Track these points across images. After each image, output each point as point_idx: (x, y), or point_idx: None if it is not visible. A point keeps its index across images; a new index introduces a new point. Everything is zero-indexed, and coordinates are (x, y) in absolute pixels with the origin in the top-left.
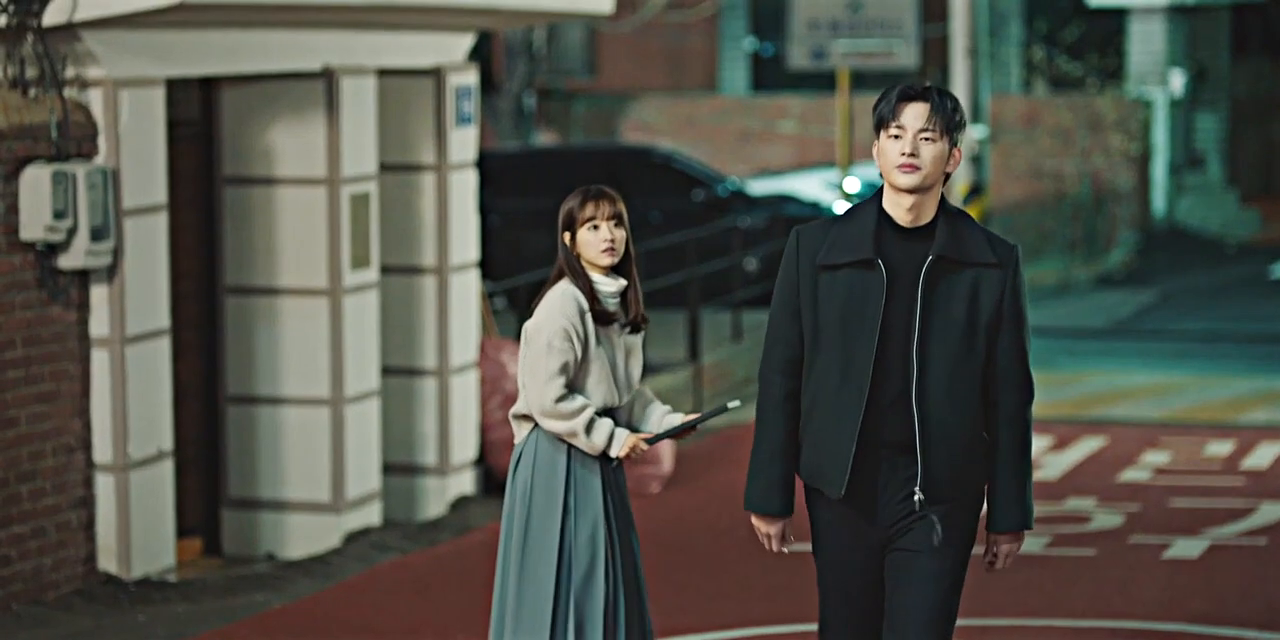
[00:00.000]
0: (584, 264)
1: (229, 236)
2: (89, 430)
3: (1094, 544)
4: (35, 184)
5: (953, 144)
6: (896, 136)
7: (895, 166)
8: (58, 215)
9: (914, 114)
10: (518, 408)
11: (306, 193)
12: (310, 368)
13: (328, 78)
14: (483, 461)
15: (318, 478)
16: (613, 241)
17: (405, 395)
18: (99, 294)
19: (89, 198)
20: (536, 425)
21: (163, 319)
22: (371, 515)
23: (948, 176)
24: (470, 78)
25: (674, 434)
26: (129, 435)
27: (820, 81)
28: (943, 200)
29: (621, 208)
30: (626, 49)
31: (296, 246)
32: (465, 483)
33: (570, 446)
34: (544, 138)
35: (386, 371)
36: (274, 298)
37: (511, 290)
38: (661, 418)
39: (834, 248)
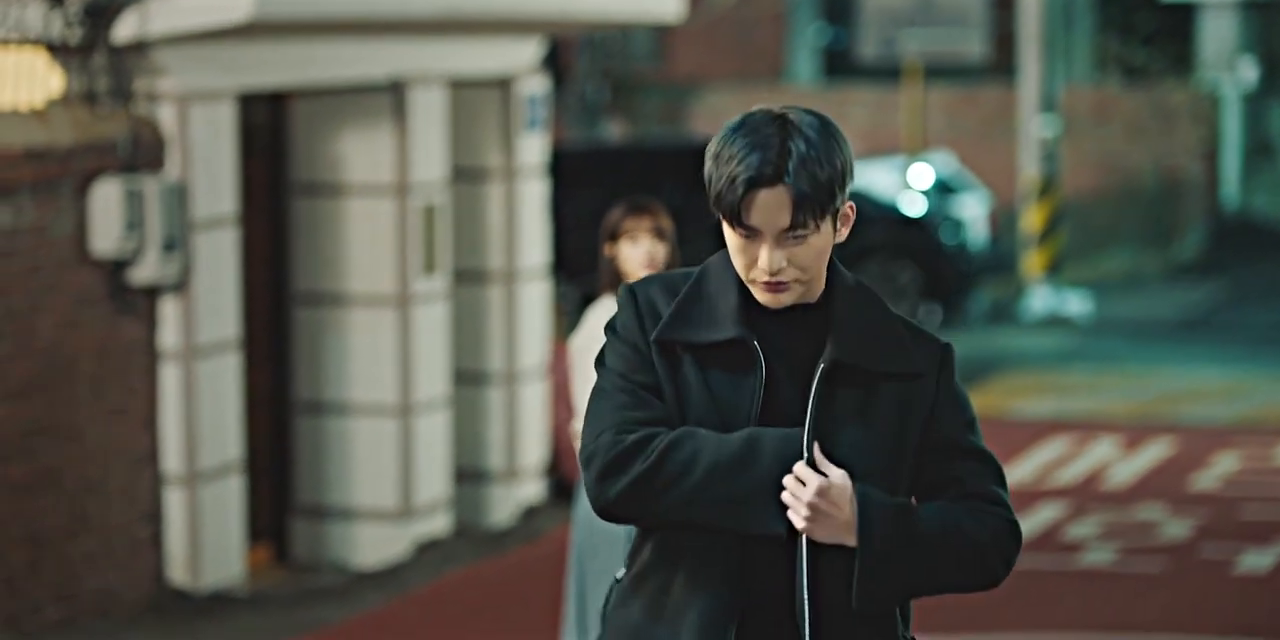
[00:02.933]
0: (625, 277)
1: (298, 247)
2: (158, 444)
3: (1163, 555)
4: (106, 198)
5: (837, 213)
6: (749, 237)
7: (753, 281)
8: (128, 229)
9: (771, 210)
10: (576, 424)
11: (376, 202)
12: (379, 376)
13: (397, 88)
14: (555, 469)
15: (386, 486)
16: (651, 255)
17: (473, 402)
18: (169, 307)
19: (159, 211)
20: None
21: (233, 331)
22: (441, 523)
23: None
24: (540, 84)
25: None
26: (198, 448)
27: (889, 71)
28: (834, 267)
29: (663, 222)
30: (695, 38)
31: (366, 256)
32: (535, 490)
33: None
34: (613, 128)
35: (455, 378)
36: (343, 307)
37: (588, 291)
38: None
39: (681, 317)
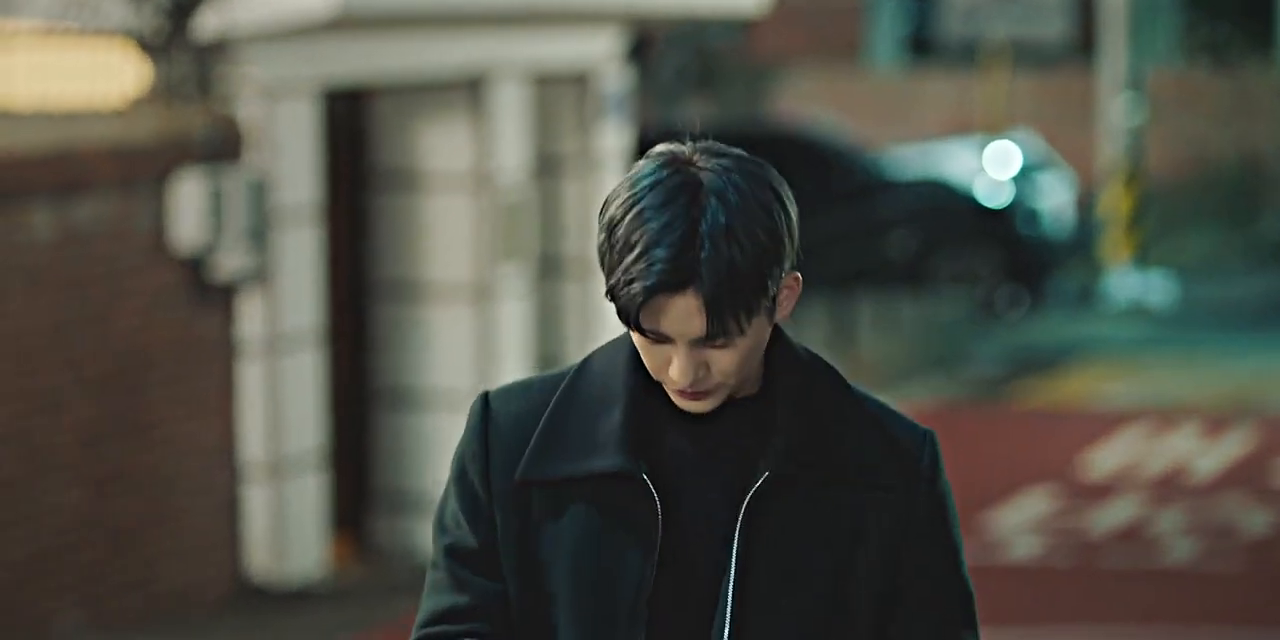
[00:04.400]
0: None
1: (379, 240)
2: (238, 438)
3: (1244, 549)
4: (187, 192)
5: (774, 304)
6: (657, 342)
7: (669, 388)
8: (209, 223)
9: (679, 318)
10: None
11: (456, 195)
12: (460, 366)
13: (477, 82)
14: None
15: None
16: None
17: None
18: (250, 301)
19: (240, 205)
20: None
21: (314, 323)
22: None
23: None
24: (621, 76)
25: None
26: (279, 441)
27: (970, 53)
28: (781, 339)
29: None
30: (775, 19)
31: (446, 248)
32: None
33: None
34: (695, 107)
35: (535, 368)
36: (424, 298)
37: None
38: None
39: (549, 444)
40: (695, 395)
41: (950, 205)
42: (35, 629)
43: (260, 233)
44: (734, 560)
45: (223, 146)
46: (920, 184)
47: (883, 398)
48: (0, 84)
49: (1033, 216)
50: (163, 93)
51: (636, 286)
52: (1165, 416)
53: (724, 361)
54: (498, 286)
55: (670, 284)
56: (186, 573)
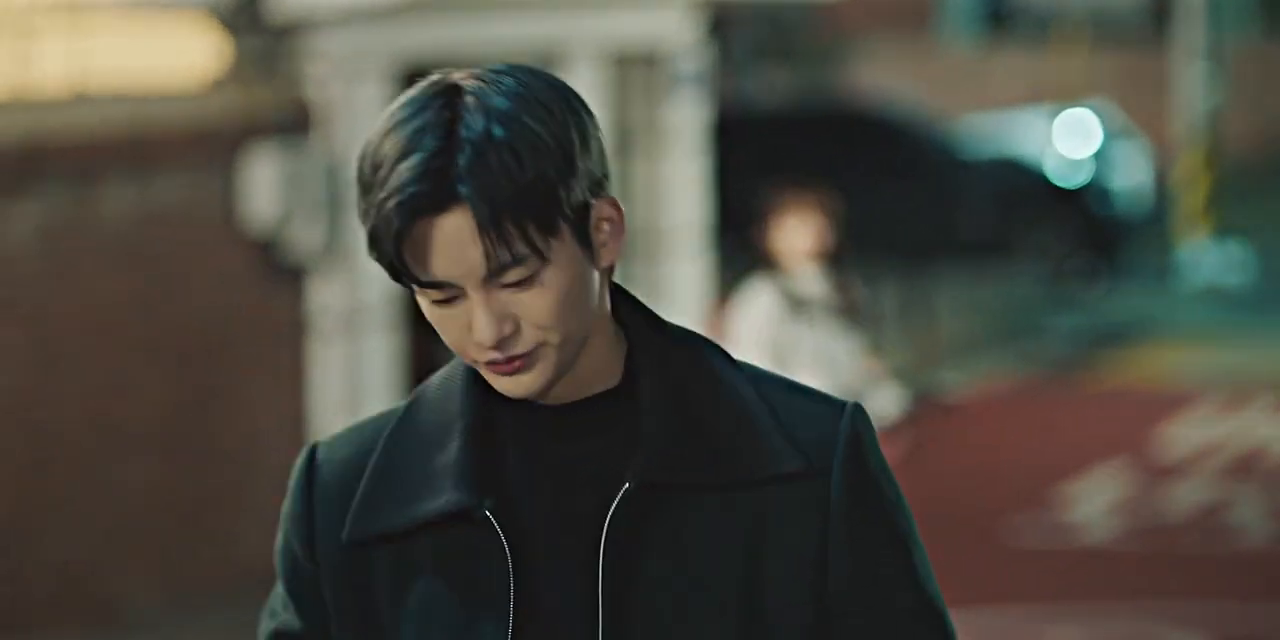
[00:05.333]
0: (784, 257)
1: None
2: (314, 415)
3: None
4: (261, 172)
5: (582, 221)
6: (446, 301)
7: (477, 363)
8: (284, 200)
9: (452, 248)
10: None
11: None
12: None
13: (551, 61)
14: None
15: None
16: (814, 234)
17: None
18: (324, 280)
19: (314, 185)
20: None
21: (388, 302)
22: None
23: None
24: (697, 56)
25: None
26: (355, 417)
27: (1044, 25)
28: (641, 316)
29: (826, 198)
30: None
31: None
32: None
33: None
34: (771, 84)
35: None
36: None
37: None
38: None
39: (379, 493)
40: (512, 365)
41: (1026, 180)
42: (112, 604)
43: (334, 211)
44: (601, 602)
45: (297, 126)
46: (996, 159)
47: (958, 374)
48: (78, 64)
49: (1108, 191)
50: (238, 72)
51: (389, 210)
52: (1240, 393)
53: (535, 308)
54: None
55: (428, 199)
56: (262, 549)
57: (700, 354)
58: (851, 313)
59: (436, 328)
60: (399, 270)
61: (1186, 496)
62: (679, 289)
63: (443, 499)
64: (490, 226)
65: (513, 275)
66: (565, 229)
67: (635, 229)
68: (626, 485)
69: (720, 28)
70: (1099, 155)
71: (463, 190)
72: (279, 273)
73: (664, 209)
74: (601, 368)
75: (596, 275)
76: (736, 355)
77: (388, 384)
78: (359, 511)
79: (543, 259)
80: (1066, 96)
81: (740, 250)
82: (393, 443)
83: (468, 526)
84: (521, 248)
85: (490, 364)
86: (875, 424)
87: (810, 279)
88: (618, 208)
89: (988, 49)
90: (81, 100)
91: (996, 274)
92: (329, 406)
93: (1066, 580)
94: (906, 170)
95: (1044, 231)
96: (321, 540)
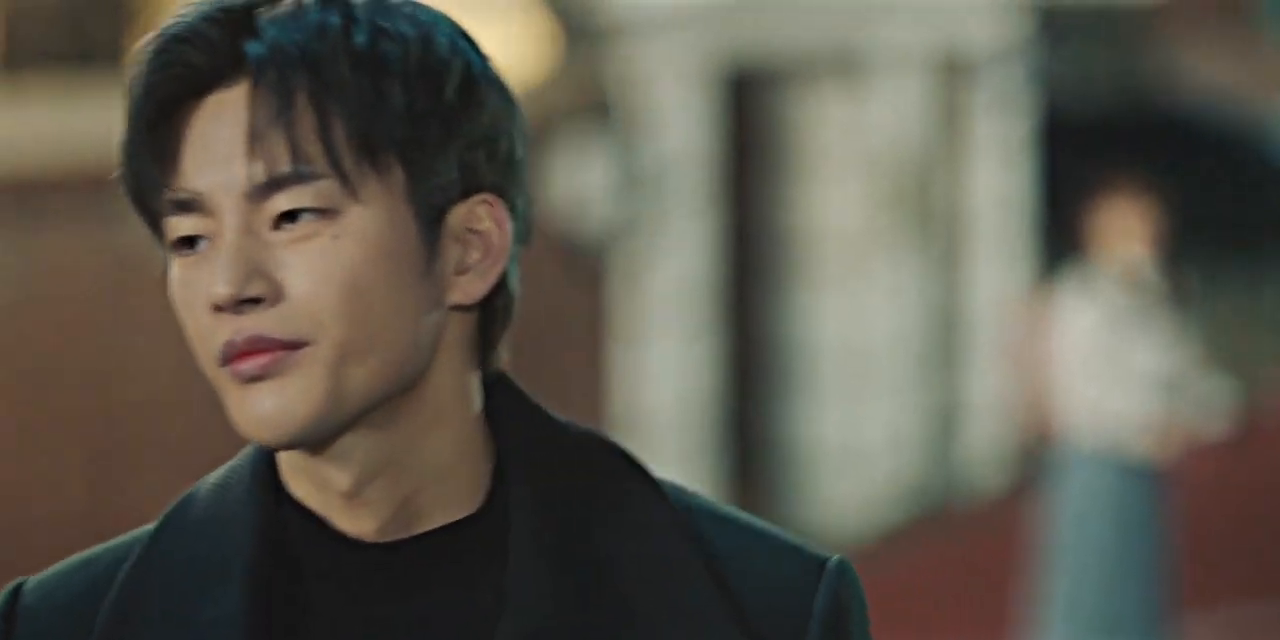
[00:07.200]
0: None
1: (767, 226)
2: (606, 420)
3: None
4: (562, 167)
5: (429, 199)
6: (188, 249)
7: (211, 360)
8: (589, 200)
9: (212, 147)
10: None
11: (844, 182)
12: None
13: (867, 67)
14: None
15: None
16: (1143, 228)
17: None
18: (622, 273)
19: (619, 182)
20: None
21: (691, 306)
22: None
23: (496, 311)
24: (1022, 63)
25: None
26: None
27: None
28: (519, 406)
29: (1156, 195)
30: None
31: (829, 238)
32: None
33: None
34: (1099, 91)
35: None
36: (804, 286)
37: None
38: None
39: (133, 610)
40: (253, 360)
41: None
42: None
43: (647, 216)
44: None
45: (611, 127)
46: None
47: None
48: None
49: None
50: (555, 71)
51: (142, 70)
52: None
53: (315, 269)
54: (880, 276)
55: (198, 56)
56: None
57: (610, 471)
58: (1182, 301)
59: (179, 312)
60: (139, 182)
61: None
62: (989, 292)
63: (226, 600)
64: (276, 100)
65: (291, 198)
66: (399, 175)
67: (950, 246)
68: None
69: (1046, 41)
70: None
71: (252, 49)
72: (581, 271)
73: (974, 222)
74: (452, 483)
75: (440, 306)
76: (1062, 377)
77: (698, 382)
78: None
79: (349, 189)
80: None
81: (1062, 260)
82: (136, 585)
83: None
84: (317, 155)
85: (225, 352)
86: (1206, 418)
87: (1140, 266)
88: (500, 225)
89: None
90: None
91: None
92: (665, 409)
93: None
94: (1234, 175)
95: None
96: None
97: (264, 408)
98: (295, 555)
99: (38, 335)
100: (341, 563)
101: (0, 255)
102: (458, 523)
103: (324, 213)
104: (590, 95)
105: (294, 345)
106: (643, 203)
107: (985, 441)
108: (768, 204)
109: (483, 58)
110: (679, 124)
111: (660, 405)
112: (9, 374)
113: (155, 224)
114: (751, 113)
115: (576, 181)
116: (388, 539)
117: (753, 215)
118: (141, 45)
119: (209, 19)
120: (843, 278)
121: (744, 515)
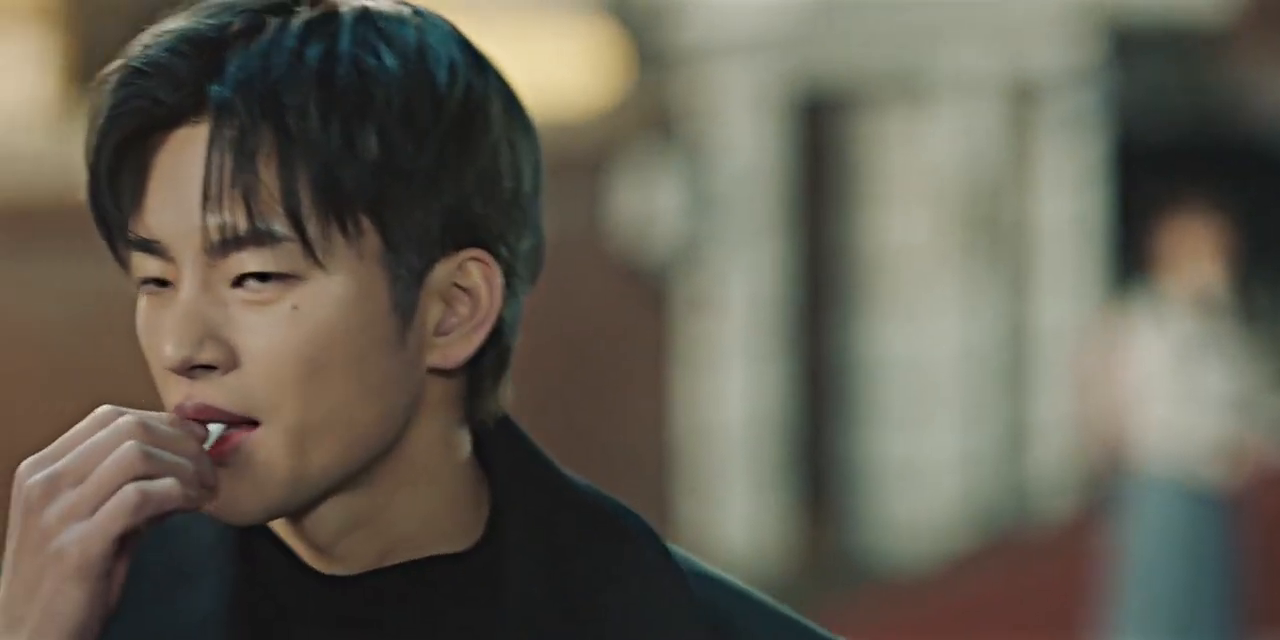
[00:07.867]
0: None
1: (837, 253)
2: (671, 443)
3: None
4: (626, 187)
5: (410, 258)
6: (155, 288)
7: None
8: (656, 222)
9: (172, 190)
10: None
11: (917, 207)
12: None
13: (936, 92)
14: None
15: None
16: (1212, 246)
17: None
18: (689, 296)
19: (687, 205)
20: None
21: (761, 328)
22: None
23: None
24: (1095, 87)
25: None
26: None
27: None
28: (519, 451)
29: (1219, 206)
30: (1258, 19)
31: (908, 267)
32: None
33: None
34: (1175, 116)
35: None
36: (877, 316)
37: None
38: None
39: None
40: (197, 411)
41: None
42: None
43: (714, 238)
44: None
45: (679, 149)
46: None
47: None
48: None
49: None
50: (625, 92)
51: (103, 115)
52: None
53: (262, 337)
54: (949, 298)
55: (161, 94)
56: None
57: (615, 530)
58: (1252, 321)
59: (144, 351)
60: (102, 219)
61: None
62: (1058, 320)
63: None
64: (234, 155)
65: (249, 260)
66: (372, 238)
67: (1015, 257)
68: None
69: (1121, 65)
70: None
71: (215, 93)
72: (646, 289)
73: (1044, 244)
74: (437, 527)
75: (415, 370)
76: (1132, 400)
77: (766, 403)
78: None
79: (312, 257)
80: None
81: (1134, 282)
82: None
83: None
84: (279, 217)
85: (178, 412)
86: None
87: (1209, 286)
88: (490, 281)
89: None
90: None
91: None
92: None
93: None
94: None
95: None
96: None
97: (224, 496)
98: (261, 581)
99: (93, 358)
100: (306, 593)
101: (49, 278)
102: (443, 556)
103: (285, 278)
104: (660, 116)
105: (244, 421)
106: (710, 225)
107: (1054, 464)
108: (837, 226)
109: (489, 80)
110: (749, 147)
111: (729, 427)
112: (66, 395)
113: (122, 260)
114: (821, 136)
115: (644, 203)
116: (364, 568)
117: (822, 238)
118: (105, 74)
119: (175, 52)
120: (912, 300)
121: (756, 592)
